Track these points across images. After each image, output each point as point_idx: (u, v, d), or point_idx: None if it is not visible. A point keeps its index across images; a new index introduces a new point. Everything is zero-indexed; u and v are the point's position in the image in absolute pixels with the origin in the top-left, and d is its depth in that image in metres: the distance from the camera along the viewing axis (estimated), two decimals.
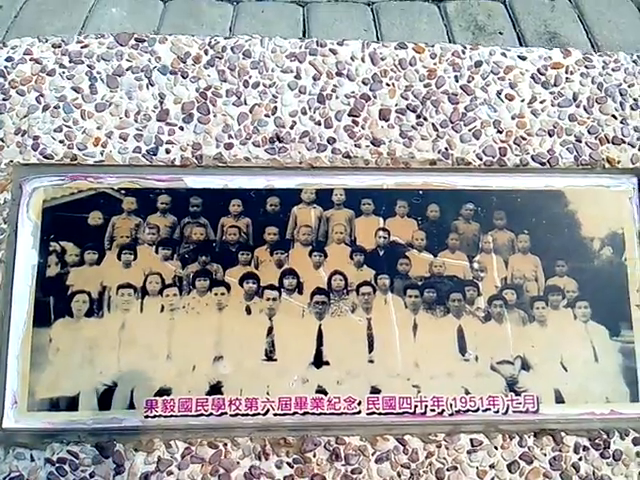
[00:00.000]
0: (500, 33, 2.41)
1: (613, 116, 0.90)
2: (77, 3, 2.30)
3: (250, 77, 0.89)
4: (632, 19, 2.35)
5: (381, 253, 0.85)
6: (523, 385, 0.82)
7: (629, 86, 0.91)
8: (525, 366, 0.83)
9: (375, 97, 0.89)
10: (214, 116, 0.87)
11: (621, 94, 0.91)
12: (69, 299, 0.81)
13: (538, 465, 0.80)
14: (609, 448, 0.81)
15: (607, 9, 2.40)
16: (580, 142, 0.89)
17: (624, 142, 0.89)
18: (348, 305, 0.83)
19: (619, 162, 0.89)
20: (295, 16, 2.34)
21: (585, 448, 0.81)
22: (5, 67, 0.87)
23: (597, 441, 0.81)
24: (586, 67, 0.92)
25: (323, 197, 0.86)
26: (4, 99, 0.86)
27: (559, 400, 0.82)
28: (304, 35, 2.29)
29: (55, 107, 0.86)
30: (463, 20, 2.41)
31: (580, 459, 0.81)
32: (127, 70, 0.88)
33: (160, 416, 0.79)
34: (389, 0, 2.41)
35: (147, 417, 0.78)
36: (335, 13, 2.38)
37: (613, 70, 0.92)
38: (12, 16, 2.26)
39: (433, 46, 0.91)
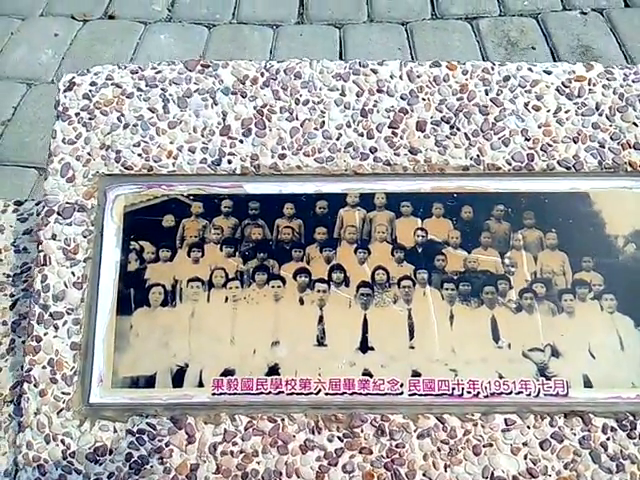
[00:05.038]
0: (533, 48, 2.43)
1: (634, 123, 0.95)
2: (128, 31, 2.47)
3: (301, 95, 0.98)
4: None
5: (419, 250, 0.93)
6: (553, 370, 0.87)
7: None
8: (555, 353, 0.88)
9: (412, 111, 0.97)
10: (269, 130, 0.97)
11: None
12: (147, 291, 0.91)
13: (568, 444, 0.85)
14: (635, 429, 0.85)
15: None
16: (603, 148, 0.94)
17: None
18: (390, 297, 0.91)
19: None
20: (332, 37, 2.45)
21: (613, 429, 0.85)
22: (90, 91, 0.99)
23: (624, 422, 0.85)
24: (607, 79, 0.98)
25: (366, 200, 0.94)
26: (90, 118, 0.98)
27: (587, 385, 0.87)
28: (341, 55, 2.40)
29: (134, 125, 0.97)
30: (495, 37, 2.46)
31: (608, 439, 0.85)
32: (195, 92, 0.99)
33: (225, 393, 0.87)
34: (422, 20, 2.50)
35: (214, 394, 0.87)
36: (370, 34, 2.47)
37: (633, 81, 0.97)
38: (67, 43, 2.44)
39: (464, 64, 0.99)
